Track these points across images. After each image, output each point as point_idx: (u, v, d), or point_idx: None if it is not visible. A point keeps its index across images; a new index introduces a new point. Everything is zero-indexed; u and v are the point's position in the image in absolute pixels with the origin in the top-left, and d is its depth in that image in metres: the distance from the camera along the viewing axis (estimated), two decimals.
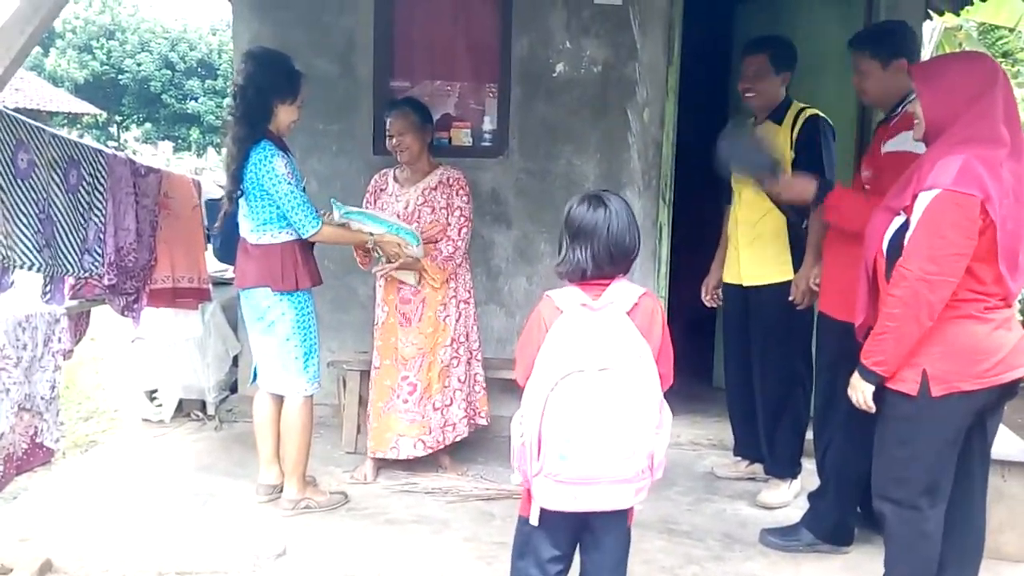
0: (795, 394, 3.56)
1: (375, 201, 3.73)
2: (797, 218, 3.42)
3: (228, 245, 3.48)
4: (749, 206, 3.52)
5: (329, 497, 3.41)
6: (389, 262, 3.51)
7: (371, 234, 3.42)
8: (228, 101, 3.29)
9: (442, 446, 3.74)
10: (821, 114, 3.45)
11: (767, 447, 3.64)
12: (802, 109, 3.48)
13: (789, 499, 3.61)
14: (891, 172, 2.84)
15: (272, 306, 3.25)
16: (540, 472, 2.03)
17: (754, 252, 3.52)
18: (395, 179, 3.74)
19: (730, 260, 3.65)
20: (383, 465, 3.82)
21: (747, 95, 3.55)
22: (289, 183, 3.16)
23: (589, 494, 2.02)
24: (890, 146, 2.89)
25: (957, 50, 9.78)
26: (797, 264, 3.41)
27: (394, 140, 3.62)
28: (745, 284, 3.52)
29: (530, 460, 2.03)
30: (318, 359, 3.38)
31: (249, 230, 3.27)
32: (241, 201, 3.26)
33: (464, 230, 3.66)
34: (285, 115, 3.26)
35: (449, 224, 3.65)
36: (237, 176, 3.20)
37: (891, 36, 3.06)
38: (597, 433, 1.98)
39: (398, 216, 3.59)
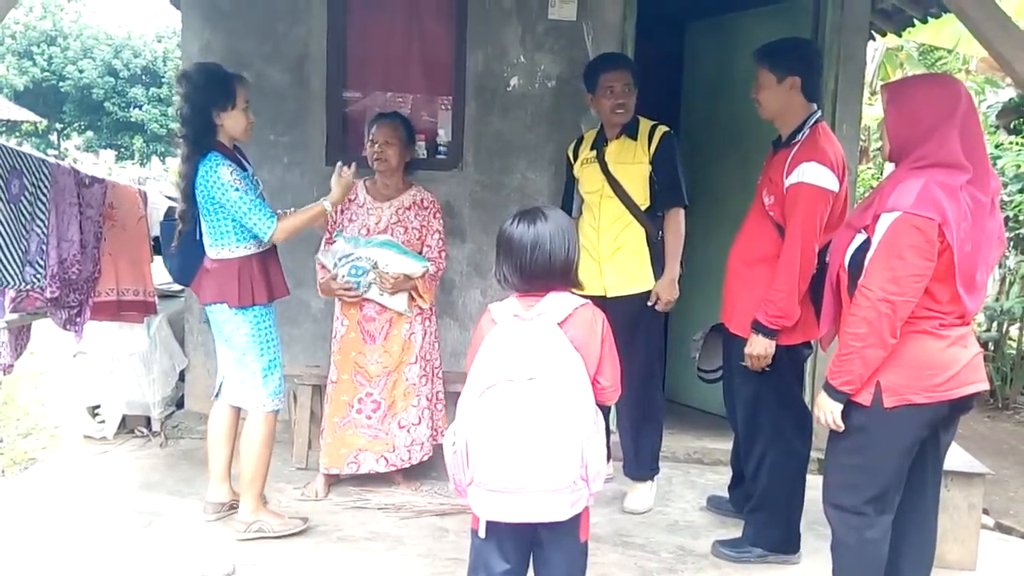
0: (656, 397, 3.68)
1: (343, 211, 3.66)
2: (655, 230, 3.57)
3: (187, 267, 3.34)
4: (610, 218, 3.58)
5: (285, 521, 3.27)
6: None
7: (375, 264, 3.50)
8: (176, 125, 3.23)
9: (407, 464, 3.70)
10: (669, 129, 3.61)
11: (632, 451, 3.70)
12: (655, 125, 3.60)
13: (652, 502, 3.71)
14: (790, 205, 2.95)
15: (227, 320, 3.18)
16: (472, 481, 2.04)
17: (616, 263, 3.58)
18: (366, 191, 3.69)
19: (589, 272, 3.51)
20: (335, 481, 3.77)
21: (618, 111, 3.55)
22: (237, 189, 3.06)
23: (520, 503, 2.02)
24: (791, 179, 2.95)
25: (899, 70, 10.11)
26: (656, 273, 3.55)
27: (376, 148, 3.61)
28: (609, 295, 3.53)
29: (462, 469, 2.05)
30: (280, 375, 3.30)
31: (208, 245, 3.19)
32: (201, 219, 3.20)
33: (445, 252, 3.75)
34: (231, 122, 3.16)
35: (429, 246, 3.71)
36: (189, 194, 3.13)
37: (789, 52, 3.11)
38: (525, 442, 1.98)
39: (368, 231, 3.60)
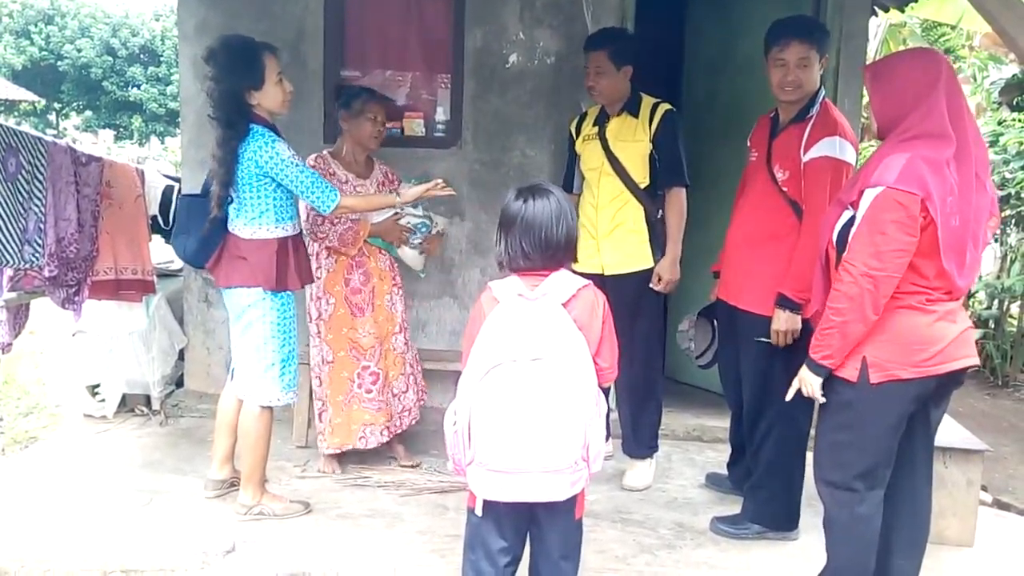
0: (654, 376, 3.69)
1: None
2: (654, 208, 3.55)
3: (205, 248, 3.14)
4: (609, 195, 3.57)
5: (287, 505, 3.26)
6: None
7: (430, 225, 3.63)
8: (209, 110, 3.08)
9: (400, 431, 3.79)
10: (672, 108, 3.59)
11: (630, 429, 3.72)
12: (656, 103, 3.57)
13: (651, 479, 3.72)
14: (813, 179, 2.94)
15: (253, 305, 3.07)
16: (473, 461, 2.04)
17: (614, 241, 3.57)
18: (343, 168, 3.63)
19: (587, 250, 3.57)
20: (341, 458, 3.77)
21: (591, 93, 3.59)
22: (297, 165, 3.02)
23: (521, 483, 2.02)
24: (813, 153, 2.95)
25: (902, 46, 10.03)
26: (655, 252, 3.54)
27: (379, 128, 3.64)
28: (607, 273, 3.53)
29: (463, 448, 2.05)
30: (296, 367, 3.23)
31: (241, 225, 3.07)
32: (236, 198, 3.07)
33: None
34: (266, 99, 3.07)
35: None
36: (228, 181, 2.99)
37: (826, 31, 3.18)
38: (528, 422, 1.99)
39: None
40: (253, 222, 3.06)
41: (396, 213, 3.61)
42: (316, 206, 3.09)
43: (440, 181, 3.36)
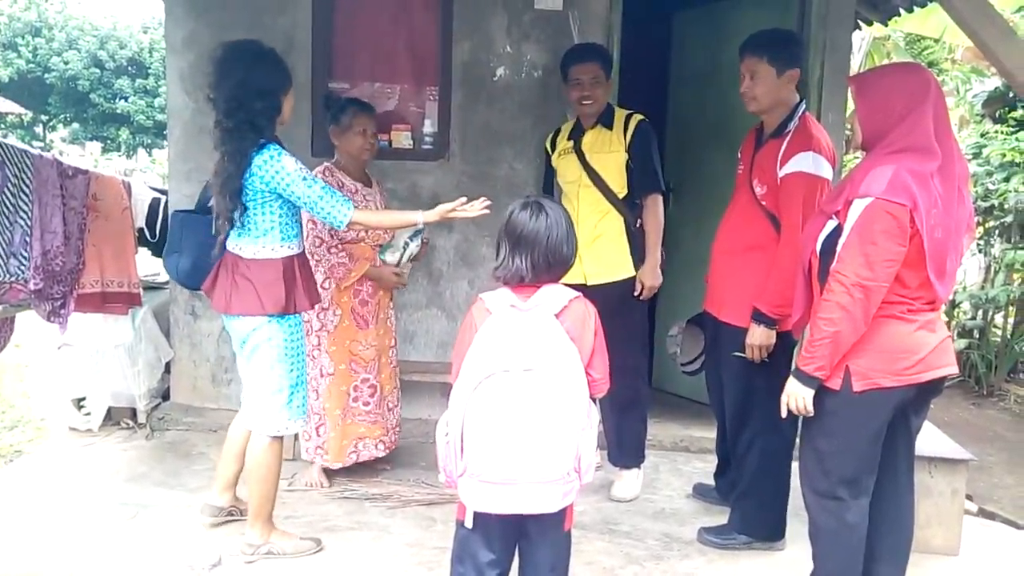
0: (639, 386, 3.69)
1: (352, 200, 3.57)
2: (634, 218, 3.59)
3: (199, 269, 2.97)
4: (589, 207, 3.60)
5: (297, 543, 3.04)
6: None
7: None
8: (218, 117, 2.82)
9: (394, 446, 3.82)
10: (645, 118, 3.62)
11: (615, 439, 3.73)
12: (630, 114, 3.62)
13: (639, 490, 3.73)
14: (787, 194, 2.96)
15: (259, 328, 2.85)
16: (464, 472, 2.04)
17: (596, 251, 3.59)
18: (353, 179, 3.62)
19: None
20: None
21: (585, 103, 3.60)
22: (304, 178, 2.78)
23: (513, 495, 2.02)
24: (788, 168, 2.97)
25: (886, 59, 10.14)
26: (635, 260, 3.57)
27: (370, 141, 3.64)
28: (589, 283, 3.52)
29: (455, 460, 2.04)
30: (305, 393, 3.02)
31: (245, 243, 2.85)
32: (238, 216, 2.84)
33: None
34: (288, 106, 2.90)
35: None
36: (237, 193, 2.77)
37: (790, 44, 3.16)
38: (520, 433, 1.98)
39: None
40: (257, 241, 2.85)
41: (405, 265, 3.62)
42: (329, 221, 2.86)
43: (464, 199, 2.94)
